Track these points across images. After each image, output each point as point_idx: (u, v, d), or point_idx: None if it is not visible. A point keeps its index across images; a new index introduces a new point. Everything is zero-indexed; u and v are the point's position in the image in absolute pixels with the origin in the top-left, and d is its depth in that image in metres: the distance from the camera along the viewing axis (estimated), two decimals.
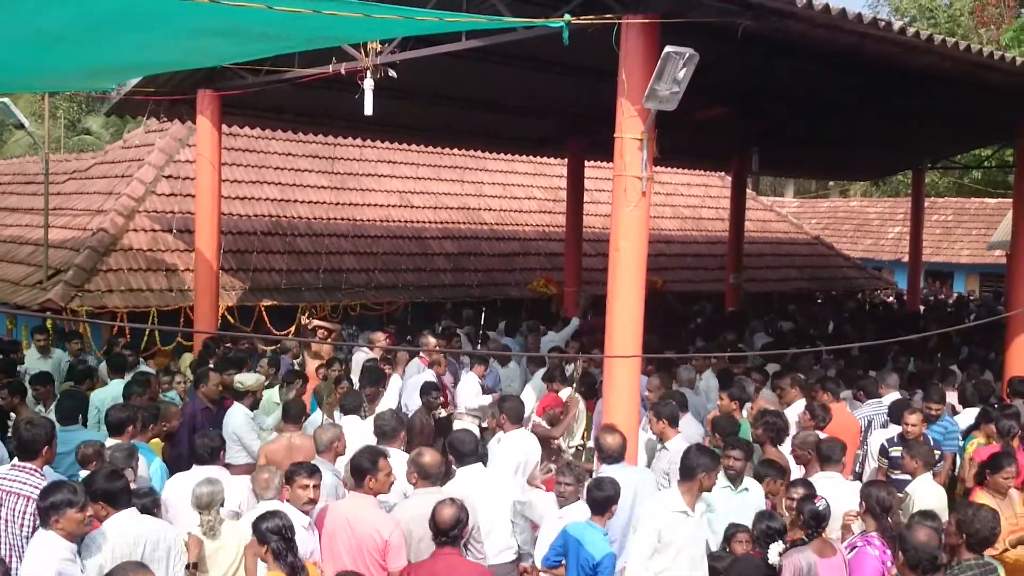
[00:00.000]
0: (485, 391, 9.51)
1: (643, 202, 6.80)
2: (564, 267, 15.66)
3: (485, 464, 6.43)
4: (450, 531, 4.87)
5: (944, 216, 29.45)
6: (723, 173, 21.40)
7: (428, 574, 4.93)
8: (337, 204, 16.23)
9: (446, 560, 4.91)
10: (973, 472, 6.94)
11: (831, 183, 37.52)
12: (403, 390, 9.09)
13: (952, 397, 9.15)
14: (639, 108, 6.57)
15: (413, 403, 8.82)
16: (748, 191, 21.76)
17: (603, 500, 5.50)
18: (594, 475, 6.18)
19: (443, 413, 9.01)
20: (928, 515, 5.37)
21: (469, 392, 9.36)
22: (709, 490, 5.64)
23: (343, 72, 8.84)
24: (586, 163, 15.74)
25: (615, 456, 6.27)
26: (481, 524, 5.55)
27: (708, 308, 18.10)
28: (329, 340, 10.64)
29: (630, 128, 6.69)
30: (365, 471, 5.30)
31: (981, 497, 6.12)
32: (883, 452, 7.58)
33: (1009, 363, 10.16)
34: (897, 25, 6.73)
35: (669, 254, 19.42)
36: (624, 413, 6.82)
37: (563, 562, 5.51)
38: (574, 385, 8.97)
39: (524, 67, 10.56)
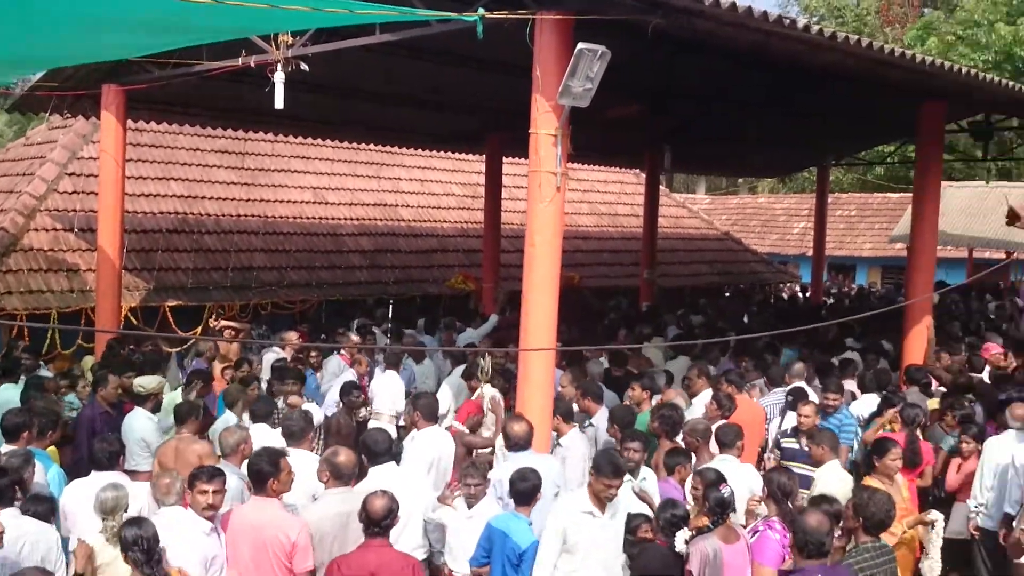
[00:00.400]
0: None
1: (558, 198, 6.84)
2: (483, 263, 15.66)
3: (398, 463, 6.41)
4: (382, 521, 4.93)
5: (848, 211, 30.47)
6: (638, 170, 21.70)
7: (359, 565, 4.92)
8: (248, 200, 15.88)
9: (377, 551, 4.95)
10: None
11: (741, 180, 38.45)
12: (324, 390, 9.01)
13: (851, 385, 9.48)
14: (553, 104, 6.61)
15: (334, 403, 8.75)
16: (662, 188, 22.13)
17: (528, 490, 5.60)
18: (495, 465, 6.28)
19: (364, 413, 8.93)
20: (824, 500, 5.55)
21: (386, 391, 9.28)
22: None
23: (252, 65, 8.66)
24: (505, 159, 15.76)
25: (521, 444, 6.38)
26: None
27: (624, 303, 18.37)
28: (238, 339, 10.42)
29: (545, 124, 6.72)
30: (266, 475, 5.23)
31: (870, 482, 6.34)
32: (776, 444, 7.78)
33: (906, 352, 10.53)
34: (801, 23, 6.91)
35: (586, 250, 19.62)
36: (539, 407, 6.84)
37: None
38: (491, 381, 8.98)
39: (440, 62, 10.51)
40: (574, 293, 17.48)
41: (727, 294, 22.28)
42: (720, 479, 5.74)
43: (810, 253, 21.46)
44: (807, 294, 22.24)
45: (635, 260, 18.94)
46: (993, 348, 11.83)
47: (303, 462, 5.98)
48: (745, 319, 16.27)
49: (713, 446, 7.02)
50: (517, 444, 6.40)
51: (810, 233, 22.25)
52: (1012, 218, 7.99)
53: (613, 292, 19.11)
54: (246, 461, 5.94)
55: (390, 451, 6.18)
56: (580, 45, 6.10)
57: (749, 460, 7.23)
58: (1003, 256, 20.29)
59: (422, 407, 7.11)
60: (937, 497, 8.00)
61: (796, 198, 33.24)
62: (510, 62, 9.19)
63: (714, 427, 7.72)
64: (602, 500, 5.41)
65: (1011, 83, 10.27)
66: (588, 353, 10.28)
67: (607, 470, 5.35)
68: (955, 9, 31.13)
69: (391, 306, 13.07)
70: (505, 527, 5.49)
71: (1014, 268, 22.03)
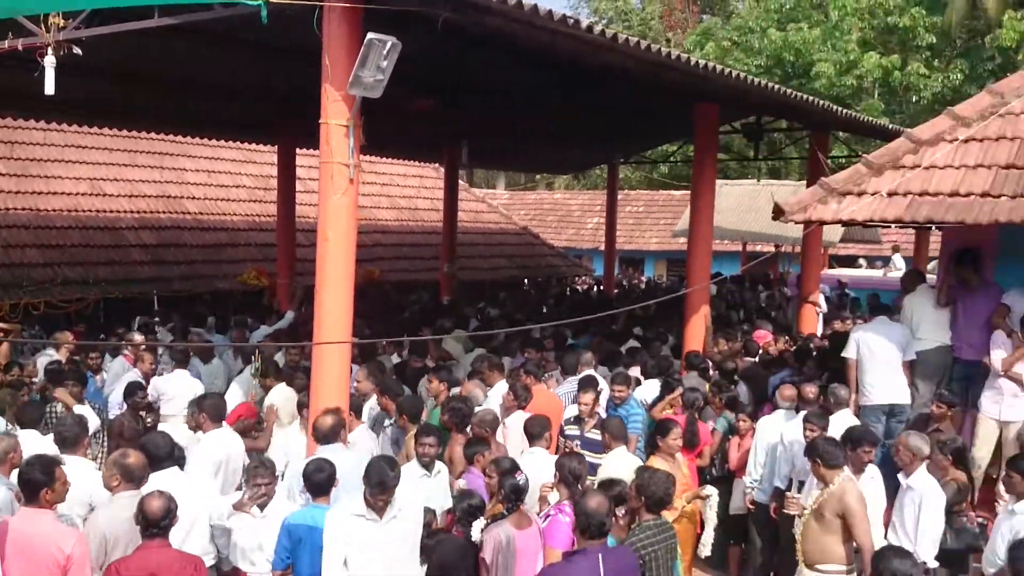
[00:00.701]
0: None
1: (351, 190, 6.74)
2: (276, 258, 15.22)
3: (182, 467, 6.15)
4: (160, 521, 4.79)
5: (636, 208, 31.99)
6: (437, 164, 21.80)
7: (138, 567, 4.71)
8: (17, 193, 14.72)
9: (157, 551, 4.78)
10: None
11: (538, 177, 39.48)
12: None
13: (635, 371, 9.95)
14: (344, 94, 6.50)
15: (118, 404, 8.29)
16: (462, 183, 22.35)
17: (323, 481, 5.56)
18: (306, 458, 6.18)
19: (149, 415, 8.49)
20: (608, 484, 5.80)
21: (180, 391, 8.83)
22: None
23: (20, 48, 7.99)
24: (300, 150, 15.38)
25: (329, 437, 6.33)
26: (175, 531, 5.27)
27: (425, 296, 18.44)
28: (7, 340, 9.62)
29: (336, 114, 6.60)
30: (39, 484, 4.90)
31: (655, 461, 6.70)
32: (560, 432, 8.04)
33: (687, 339, 11.17)
34: (585, 24, 7.15)
35: (386, 244, 19.51)
36: (334, 401, 6.71)
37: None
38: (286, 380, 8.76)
39: (227, 47, 10.07)
40: (374, 287, 17.38)
41: (527, 287, 22.83)
42: (514, 467, 5.86)
43: (603, 247, 22.34)
44: (600, 286, 23.16)
45: (436, 254, 19.05)
46: (763, 335, 12.78)
47: (78, 470, 5.63)
48: (545, 310, 16.74)
49: (501, 436, 7.18)
50: (326, 437, 6.35)
51: (603, 228, 23.18)
52: (777, 213, 8.61)
53: (414, 286, 19.13)
54: (16, 470, 5.52)
55: (172, 455, 5.96)
56: (370, 35, 6.04)
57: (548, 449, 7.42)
58: (772, 249, 21.92)
59: (208, 408, 6.91)
60: (715, 476, 8.56)
61: (590, 195, 34.52)
62: (301, 49, 8.97)
63: (511, 418, 7.91)
64: (376, 507, 5.28)
65: (778, 87, 11.10)
66: (384, 347, 10.25)
67: (374, 482, 5.21)
68: (731, 16, 33.34)
69: (177, 303, 12.45)
70: (310, 521, 5.40)
71: (783, 260, 23.81)
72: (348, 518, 5.27)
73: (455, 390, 8.41)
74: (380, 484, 5.18)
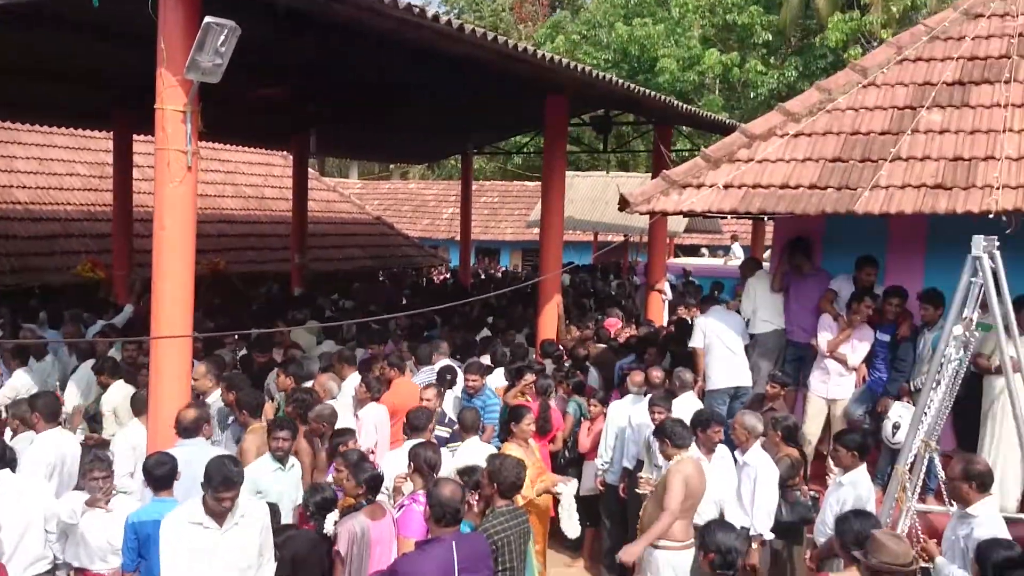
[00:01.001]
0: None
1: (189, 178, 6.48)
2: (113, 249, 14.47)
3: (14, 469, 5.79)
4: None
5: (491, 198, 32.23)
6: (285, 152, 21.25)
7: None
8: None
9: None
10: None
11: (392, 166, 39.14)
12: None
13: (487, 359, 10.04)
14: (180, 79, 6.25)
15: None
16: (312, 172, 21.88)
17: (166, 474, 5.47)
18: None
19: None
20: (465, 471, 5.86)
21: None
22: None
23: None
24: (138, 137, 14.64)
25: (190, 430, 6.19)
26: (7, 536, 4.97)
27: (275, 288, 17.98)
28: None
29: (172, 100, 6.33)
30: None
31: (509, 448, 6.80)
32: None
33: (540, 328, 11.36)
34: (431, 13, 7.14)
35: (232, 234, 18.87)
36: (174, 397, 6.47)
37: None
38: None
39: (58, 31, 9.47)
40: (220, 279, 16.81)
41: (382, 278, 22.62)
42: (362, 459, 5.82)
43: (458, 237, 22.38)
44: (455, 277, 23.21)
45: (285, 244, 18.58)
46: (614, 322, 13.15)
47: None
48: (403, 300, 16.64)
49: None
50: (187, 431, 6.21)
51: (458, 218, 23.21)
52: (623, 204, 8.86)
53: (263, 277, 18.62)
54: None
55: (3, 458, 5.66)
56: (207, 19, 5.83)
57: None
58: (622, 239, 22.56)
59: (41, 408, 6.58)
60: (567, 458, 8.76)
61: (445, 184, 34.53)
62: (137, 33, 8.56)
63: (364, 410, 7.84)
64: (217, 512, 5.01)
65: (623, 82, 11.41)
66: (230, 340, 9.94)
67: (217, 481, 4.94)
68: (580, 10, 34.00)
69: (7, 298, 11.67)
70: (155, 515, 5.26)
71: (632, 249, 24.54)
72: (184, 526, 5.00)
73: (307, 384, 8.27)
74: (225, 480, 4.93)
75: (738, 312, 9.39)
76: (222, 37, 5.87)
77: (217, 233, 18.16)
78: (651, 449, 7.11)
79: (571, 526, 7.14)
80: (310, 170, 20.49)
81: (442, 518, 4.90)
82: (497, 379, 9.14)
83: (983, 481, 5.29)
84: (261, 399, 7.27)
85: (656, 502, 6.19)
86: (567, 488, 7.25)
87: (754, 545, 6.51)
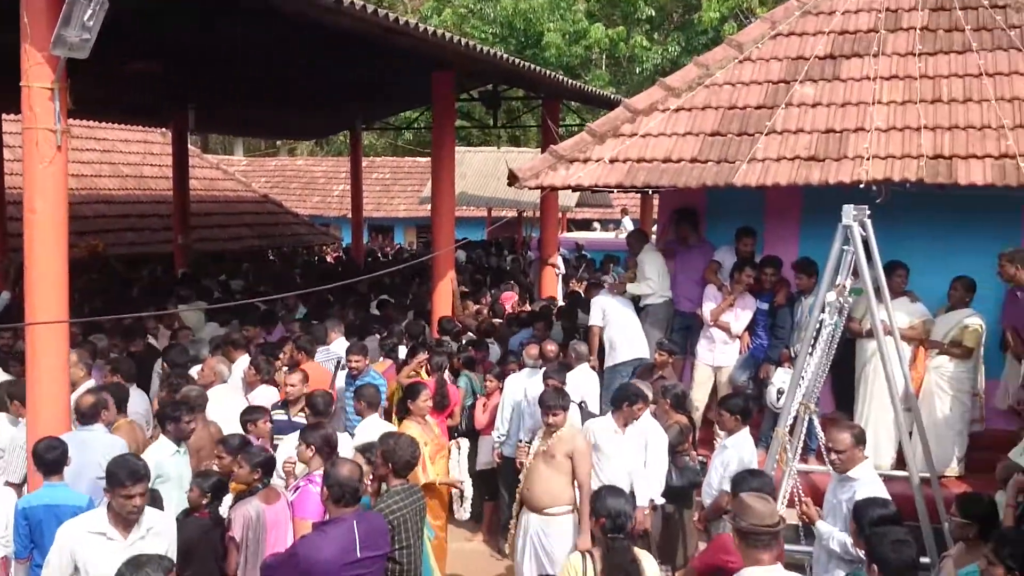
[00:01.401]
0: None
1: (59, 158, 6.19)
2: None
3: None
4: None
5: (383, 174, 31.83)
6: (164, 130, 20.50)
7: None
8: None
9: None
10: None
11: (279, 142, 38.21)
12: None
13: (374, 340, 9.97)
14: (47, 55, 5.95)
15: None
16: (194, 149, 21.20)
17: (56, 459, 5.41)
18: None
19: None
20: (365, 449, 5.84)
21: None
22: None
23: None
24: (7, 116, 13.92)
25: (89, 416, 6.19)
26: None
27: (158, 270, 17.42)
28: None
29: (38, 77, 6.02)
30: None
31: (407, 425, 6.81)
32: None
33: (435, 304, 11.34)
34: None
35: (110, 215, 18.13)
36: (53, 385, 6.23)
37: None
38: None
39: None
40: (100, 261, 16.17)
41: (271, 258, 22.14)
42: (245, 441, 5.76)
43: (350, 215, 22.07)
44: (348, 255, 22.91)
45: (167, 225, 17.98)
46: (510, 296, 13.27)
47: None
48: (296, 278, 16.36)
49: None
50: (85, 416, 6.16)
51: (349, 195, 22.88)
52: (512, 179, 8.92)
53: (145, 259, 18.00)
54: None
55: None
56: None
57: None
58: (515, 214, 22.69)
59: None
60: (460, 432, 8.80)
61: (334, 161, 33.90)
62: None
63: (255, 393, 7.71)
64: (123, 519, 4.70)
65: (509, 57, 11.43)
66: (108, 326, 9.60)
67: (124, 475, 4.63)
68: None
69: None
70: (46, 500, 5.29)
71: (525, 225, 24.68)
72: (84, 536, 4.68)
73: (195, 368, 8.08)
74: (132, 474, 4.64)
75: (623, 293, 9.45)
76: (89, 10, 5.61)
77: (95, 214, 17.45)
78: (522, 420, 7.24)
79: (463, 509, 7.21)
80: (192, 147, 19.86)
81: (341, 498, 4.84)
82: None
83: (862, 440, 5.50)
84: (126, 393, 7.04)
85: (555, 469, 6.30)
86: (461, 456, 7.34)
87: (646, 510, 6.70)
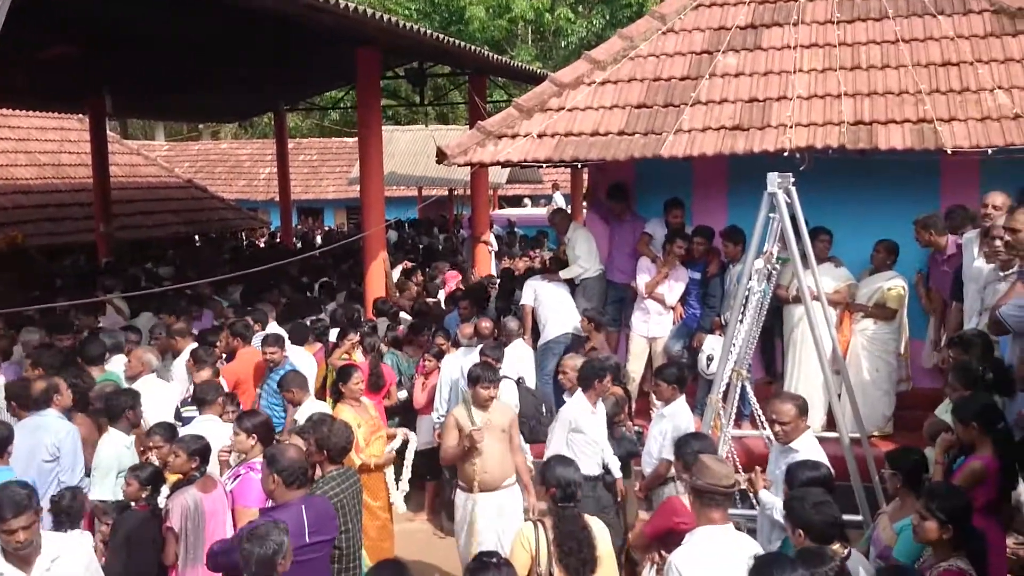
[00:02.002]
0: None
1: None
2: None
3: None
4: None
5: (310, 156, 31.33)
6: (81, 116, 19.84)
7: None
8: None
9: None
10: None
11: (202, 125, 37.32)
12: None
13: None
14: None
15: None
16: (112, 135, 20.56)
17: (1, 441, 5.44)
18: None
19: None
20: (302, 431, 5.76)
21: None
22: None
23: None
24: None
25: (41, 402, 6.21)
26: None
27: (81, 260, 16.93)
28: None
29: None
30: None
31: (342, 409, 6.73)
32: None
33: (368, 286, 11.24)
34: None
35: (28, 205, 17.47)
36: None
37: None
38: None
39: None
40: (19, 254, 15.64)
41: (198, 243, 21.67)
42: (173, 431, 5.66)
43: (278, 198, 21.71)
44: (277, 239, 22.55)
45: (88, 213, 17.42)
46: (454, 275, 13.22)
47: None
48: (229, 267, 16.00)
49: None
50: (37, 402, 6.19)
51: (276, 178, 22.48)
52: (440, 156, 8.85)
53: (67, 249, 17.46)
54: None
55: None
56: None
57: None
58: (446, 192, 22.57)
59: None
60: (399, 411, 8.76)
61: (259, 144, 33.24)
62: None
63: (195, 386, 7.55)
64: (15, 553, 4.27)
65: (434, 33, 11.31)
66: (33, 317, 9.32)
67: (2, 509, 4.19)
68: None
69: None
70: None
71: (457, 203, 24.59)
72: None
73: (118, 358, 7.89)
74: (11, 505, 4.23)
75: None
76: None
77: (12, 205, 16.84)
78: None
79: (399, 498, 7.15)
80: (111, 134, 19.27)
81: (294, 480, 4.75)
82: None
83: (807, 412, 5.57)
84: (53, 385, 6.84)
85: (506, 444, 6.31)
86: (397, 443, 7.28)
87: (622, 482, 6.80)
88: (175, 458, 5.55)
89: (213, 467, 5.84)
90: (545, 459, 5.57)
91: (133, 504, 5.52)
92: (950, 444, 5.29)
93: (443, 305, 11.22)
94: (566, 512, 4.78)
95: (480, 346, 7.90)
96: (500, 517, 6.29)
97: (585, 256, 9.10)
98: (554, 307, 8.94)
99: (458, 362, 8.14)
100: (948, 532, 4.15)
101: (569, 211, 14.14)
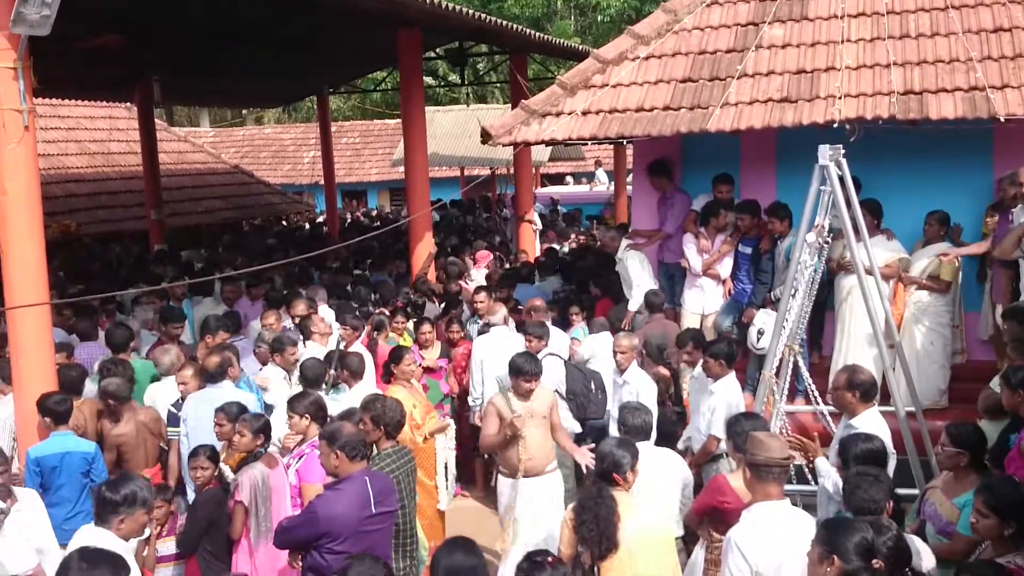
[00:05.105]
0: None
1: (28, 138, 6.14)
2: None
3: None
4: None
5: (352, 139, 31.50)
6: (129, 104, 20.18)
7: None
8: None
9: None
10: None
11: (245, 111, 37.71)
12: None
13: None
14: (7, 34, 5.88)
15: None
16: (160, 122, 20.89)
17: (65, 411, 5.94)
18: None
19: None
20: (346, 415, 5.84)
21: None
22: None
23: None
24: None
25: (218, 375, 6.72)
26: None
27: (135, 248, 17.27)
28: None
29: (1, 57, 5.96)
30: None
31: (395, 390, 6.81)
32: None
33: (414, 266, 11.34)
34: None
35: (80, 194, 17.89)
36: (40, 369, 6.23)
37: None
38: None
39: None
40: (75, 242, 16.01)
41: (246, 229, 21.98)
42: (243, 408, 5.81)
43: (322, 181, 21.89)
44: (324, 221, 22.77)
45: (139, 201, 17.76)
46: (485, 255, 13.25)
47: None
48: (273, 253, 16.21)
49: None
50: (213, 375, 6.67)
51: (320, 162, 22.67)
52: (485, 137, 8.87)
53: (119, 237, 17.83)
54: None
55: None
56: None
57: None
58: (488, 172, 22.59)
59: None
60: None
61: (303, 127, 33.50)
62: None
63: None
64: None
65: (475, 12, 11.31)
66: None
67: None
68: None
69: None
70: (58, 448, 5.85)
71: (500, 182, 24.60)
72: None
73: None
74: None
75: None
76: None
77: (65, 194, 17.23)
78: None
79: (445, 497, 7.17)
80: (158, 121, 19.57)
81: (356, 454, 4.85)
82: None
83: (866, 391, 5.50)
84: (82, 372, 7.08)
85: (547, 429, 6.32)
86: (449, 424, 7.32)
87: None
88: (240, 437, 5.68)
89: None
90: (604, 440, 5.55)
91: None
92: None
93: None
94: (593, 488, 4.74)
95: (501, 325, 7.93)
96: (545, 502, 6.30)
97: (641, 281, 8.90)
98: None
99: (492, 344, 8.10)
100: (1010, 527, 4.09)
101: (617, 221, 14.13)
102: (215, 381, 6.70)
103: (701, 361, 6.93)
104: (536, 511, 6.25)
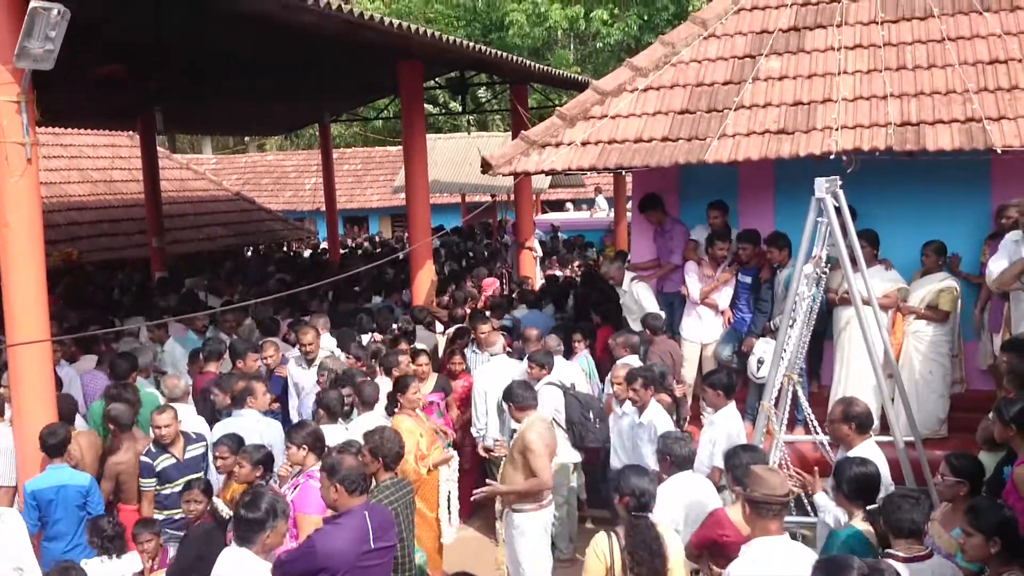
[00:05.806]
0: None
1: (31, 170, 6.19)
2: None
3: None
4: None
5: (354, 165, 31.68)
6: (131, 132, 20.31)
7: None
8: None
9: None
10: None
11: (248, 138, 37.90)
12: None
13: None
14: (11, 68, 5.95)
15: None
16: (162, 150, 21.00)
17: (59, 443, 6.05)
18: None
19: None
20: (343, 448, 5.84)
21: None
22: None
23: None
24: None
25: (239, 401, 6.91)
26: None
27: (136, 276, 17.31)
28: None
29: (4, 91, 6.03)
30: None
31: (401, 420, 6.80)
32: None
33: (415, 294, 11.37)
34: None
35: (82, 222, 17.94)
36: (40, 403, 6.24)
37: None
38: None
39: None
40: (76, 271, 16.04)
41: (249, 255, 22.03)
42: (242, 441, 5.79)
43: (324, 208, 21.96)
44: (325, 249, 22.81)
45: (140, 228, 17.82)
46: (491, 282, 13.30)
47: None
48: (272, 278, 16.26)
49: None
50: (236, 401, 6.87)
51: (321, 188, 22.75)
52: (485, 167, 8.93)
53: (121, 265, 17.87)
54: None
55: None
56: (32, 3, 5.52)
57: None
58: (489, 199, 22.68)
59: None
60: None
61: (304, 154, 33.69)
62: None
63: None
64: None
65: (475, 45, 11.40)
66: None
67: None
68: None
69: None
70: (53, 481, 5.95)
71: (500, 208, 24.68)
72: None
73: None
74: None
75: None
76: (51, 21, 5.57)
77: (67, 222, 17.29)
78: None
79: (449, 531, 7.14)
80: (160, 148, 19.68)
81: (355, 487, 4.84)
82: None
83: (862, 423, 5.55)
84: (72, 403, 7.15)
85: (514, 467, 6.28)
86: (453, 455, 7.29)
87: None
88: (240, 468, 5.68)
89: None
90: (620, 468, 5.56)
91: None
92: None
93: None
94: (639, 522, 4.74)
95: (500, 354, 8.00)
96: (515, 535, 6.35)
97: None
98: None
99: (492, 373, 8.13)
100: (996, 545, 4.11)
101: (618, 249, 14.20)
102: (238, 407, 6.84)
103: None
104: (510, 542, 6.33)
